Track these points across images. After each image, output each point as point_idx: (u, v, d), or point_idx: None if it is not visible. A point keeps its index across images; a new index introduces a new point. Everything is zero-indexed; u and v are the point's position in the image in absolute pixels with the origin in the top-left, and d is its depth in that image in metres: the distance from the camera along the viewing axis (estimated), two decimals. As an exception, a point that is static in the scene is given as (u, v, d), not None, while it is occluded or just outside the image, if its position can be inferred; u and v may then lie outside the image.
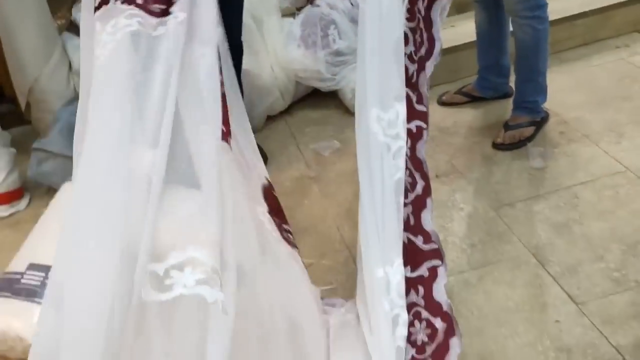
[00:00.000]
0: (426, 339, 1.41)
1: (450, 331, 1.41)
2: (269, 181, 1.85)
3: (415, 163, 1.59)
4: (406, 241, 1.55)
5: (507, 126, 2.46)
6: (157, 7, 1.33)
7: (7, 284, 1.90)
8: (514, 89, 2.53)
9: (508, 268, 1.90)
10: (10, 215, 2.49)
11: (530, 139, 2.43)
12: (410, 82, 1.54)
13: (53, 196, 2.10)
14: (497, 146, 2.43)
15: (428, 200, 1.58)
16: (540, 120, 2.48)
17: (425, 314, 1.45)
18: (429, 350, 1.39)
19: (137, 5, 1.33)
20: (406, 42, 1.50)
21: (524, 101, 2.44)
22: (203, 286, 1.16)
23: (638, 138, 2.35)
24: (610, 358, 1.59)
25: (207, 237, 1.22)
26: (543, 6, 2.27)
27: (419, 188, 1.59)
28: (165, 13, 1.33)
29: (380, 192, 1.48)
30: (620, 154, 2.29)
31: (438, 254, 1.57)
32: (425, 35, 1.58)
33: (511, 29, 2.46)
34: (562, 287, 1.81)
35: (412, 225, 1.57)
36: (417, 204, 1.58)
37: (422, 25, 1.56)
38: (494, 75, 2.64)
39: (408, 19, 1.51)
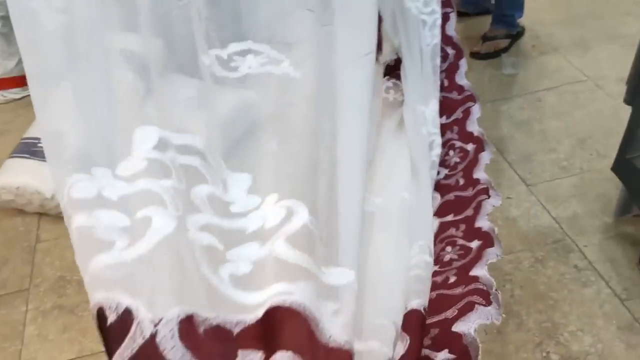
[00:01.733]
0: (458, 160, 1.63)
1: (479, 149, 1.62)
2: None
3: (445, 39, 1.83)
4: (442, 99, 1.79)
5: (485, 37, 2.67)
6: None
7: (25, 147, 2.13)
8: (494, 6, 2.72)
9: (471, 155, 2.15)
10: (22, 97, 2.69)
11: (505, 50, 2.65)
12: None
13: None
14: (474, 55, 2.64)
15: (460, 62, 1.84)
16: (515, 34, 2.69)
17: (458, 143, 1.67)
18: (461, 167, 1.61)
19: None
20: None
21: (502, 15, 2.63)
22: (269, 66, 1.33)
23: (601, 52, 2.57)
24: (548, 225, 1.86)
25: None
26: None
27: (451, 57, 1.85)
28: None
29: (419, 56, 1.72)
30: (584, 65, 2.51)
31: (471, 97, 1.79)
32: None
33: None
34: (516, 171, 2.07)
35: (447, 86, 1.82)
36: (451, 69, 1.83)
37: None
38: (476, -9, 2.83)
39: None
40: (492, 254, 1.23)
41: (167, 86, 1.52)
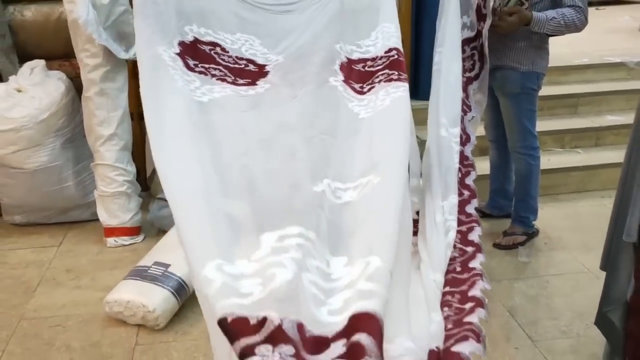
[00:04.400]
0: (458, 255, 2.05)
1: (477, 251, 2.05)
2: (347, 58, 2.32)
3: (463, 186, 2.40)
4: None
5: (505, 233, 3.29)
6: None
7: (137, 272, 2.75)
8: (515, 211, 3.38)
9: (488, 316, 2.64)
10: (130, 244, 3.37)
11: (521, 244, 3.24)
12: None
13: (161, 237, 3.03)
14: (495, 246, 3.24)
15: (474, 201, 2.38)
16: (531, 233, 3.30)
17: (459, 245, 2.11)
18: (459, 260, 2.03)
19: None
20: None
21: (519, 216, 3.27)
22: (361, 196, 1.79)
23: (602, 253, 3.13)
24: (548, 370, 2.30)
25: None
26: (536, 148, 3.18)
27: (465, 196, 2.38)
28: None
29: (445, 171, 2.28)
30: (586, 261, 3.07)
31: (477, 221, 2.27)
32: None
33: (515, 164, 3.36)
34: (524, 330, 2.54)
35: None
36: (462, 204, 2.34)
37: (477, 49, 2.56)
38: (501, 197, 3.50)
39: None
40: (482, 313, 1.69)
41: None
